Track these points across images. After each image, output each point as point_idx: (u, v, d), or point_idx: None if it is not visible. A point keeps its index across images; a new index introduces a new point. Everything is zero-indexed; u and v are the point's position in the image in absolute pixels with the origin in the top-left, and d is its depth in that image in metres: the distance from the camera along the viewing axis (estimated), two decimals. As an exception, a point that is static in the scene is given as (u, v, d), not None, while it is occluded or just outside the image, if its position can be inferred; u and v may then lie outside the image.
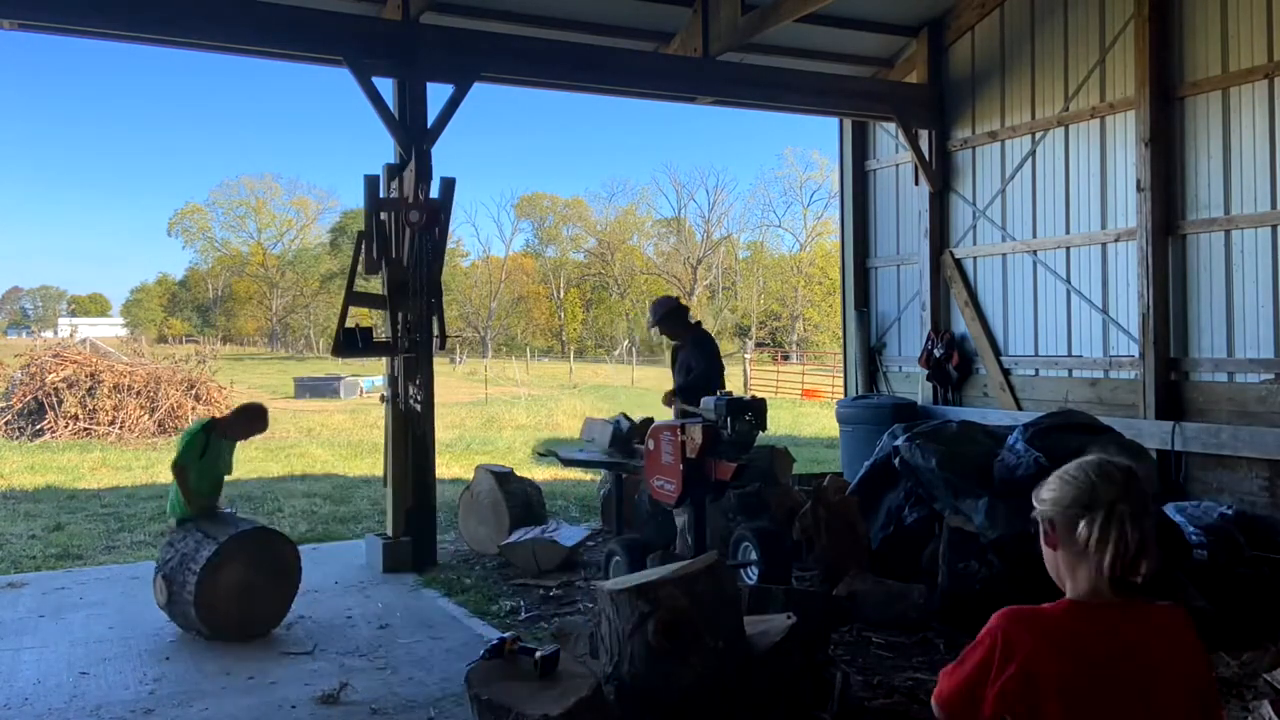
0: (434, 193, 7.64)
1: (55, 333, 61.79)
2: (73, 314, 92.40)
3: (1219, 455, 8.05)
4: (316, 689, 5.04)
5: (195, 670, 5.40)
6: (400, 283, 7.48)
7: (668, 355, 8.22)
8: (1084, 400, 9.13)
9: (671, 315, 7.72)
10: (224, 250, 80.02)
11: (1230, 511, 7.61)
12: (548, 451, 7.82)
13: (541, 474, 12.12)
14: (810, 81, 10.04)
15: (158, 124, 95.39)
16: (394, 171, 7.86)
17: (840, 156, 12.03)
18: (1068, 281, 9.44)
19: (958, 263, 10.52)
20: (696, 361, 7.48)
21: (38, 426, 18.16)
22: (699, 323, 8.01)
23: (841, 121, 11.78)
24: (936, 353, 10.52)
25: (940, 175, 10.68)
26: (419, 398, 7.67)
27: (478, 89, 8.25)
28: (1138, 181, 8.66)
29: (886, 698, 4.77)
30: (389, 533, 7.85)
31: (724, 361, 7.92)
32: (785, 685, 4.34)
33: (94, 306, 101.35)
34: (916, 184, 10.84)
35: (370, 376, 32.27)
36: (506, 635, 4.33)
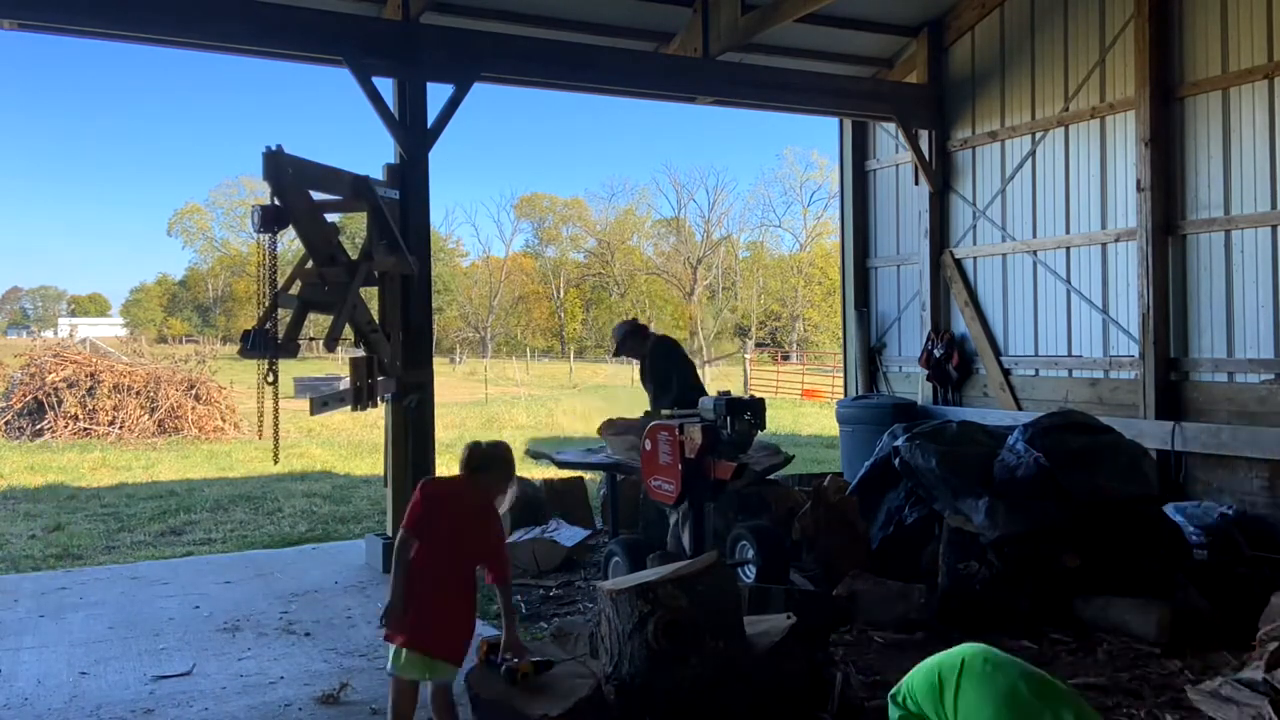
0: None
1: (55, 333, 61.77)
2: (72, 314, 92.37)
3: (1219, 455, 8.05)
4: (316, 689, 5.04)
5: (195, 670, 5.40)
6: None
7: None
8: (1084, 400, 9.13)
9: (630, 336, 7.99)
10: (224, 250, 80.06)
11: (1230, 511, 7.61)
12: (539, 453, 7.82)
13: (541, 474, 12.12)
14: (810, 81, 10.04)
15: (157, 124, 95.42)
16: (394, 171, 7.87)
17: (840, 156, 12.04)
18: (1068, 281, 9.44)
19: (958, 263, 10.53)
20: (664, 367, 7.71)
21: (38, 426, 18.17)
22: (652, 333, 8.19)
23: (841, 121, 11.78)
24: (936, 353, 10.52)
25: (940, 175, 10.68)
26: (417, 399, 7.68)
27: (478, 89, 8.27)
28: (1138, 181, 8.66)
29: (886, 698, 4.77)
30: (389, 533, 7.85)
31: (692, 365, 8.05)
32: (785, 685, 4.34)
33: (94, 306, 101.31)
34: (916, 184, 10.84)
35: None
36: (516, 661, 4.21)
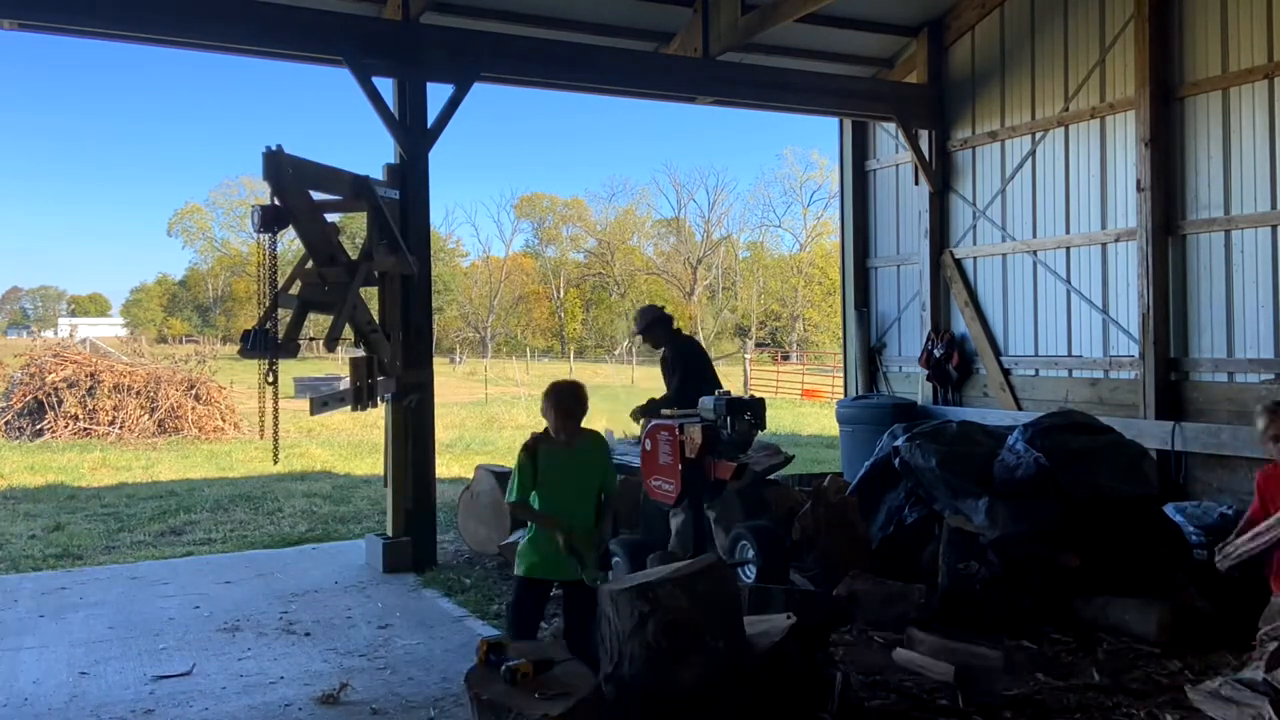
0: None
1: (55, 333, 61.75)
2: (72, 314, 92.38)
3: (1219, 455, 8.05)
4: (316, 689, 5.04)
5: (195, 670, 5.40)
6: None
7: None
8: (1084, 400, 9.13)
9: (655, 325, 7.84)
10: (224, 250, 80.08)
11: (1230, 511, 7.60)
12: None
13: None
14: (810, 81, 10.04)
15: (157, 124, 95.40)
16: (394, 171, 7.87)
17: (840, 156, 12.04)
18: (1068, 281, 9.44)
19: (958, 263, 10.52)
20: (674, 372, 7.62)
21: (38, 426, 18.17)
22: (678, 330, 8.08)
23: (841, 121, 11.78)
24: (936, 353, 10.52)
25: (940, 175, 10.68)
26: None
27: (478, 88, 8.27)
28: (1138, 181, 8.66)
29: (886, 698, 4.77)
30: (389, 533, 7.85)
31: (713, 366, 7.89)
32: (785, 685, 4.34)
33: (94, 306, 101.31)
34: (916, 184, 10.84)
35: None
36: (517, 661, 4.09)
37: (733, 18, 9.07)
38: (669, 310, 8.23)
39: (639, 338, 8.14)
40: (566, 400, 4.75)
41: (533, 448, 4.69)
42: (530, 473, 4.66)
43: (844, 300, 12.08)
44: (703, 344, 8.25)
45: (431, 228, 9.00)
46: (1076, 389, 9.31)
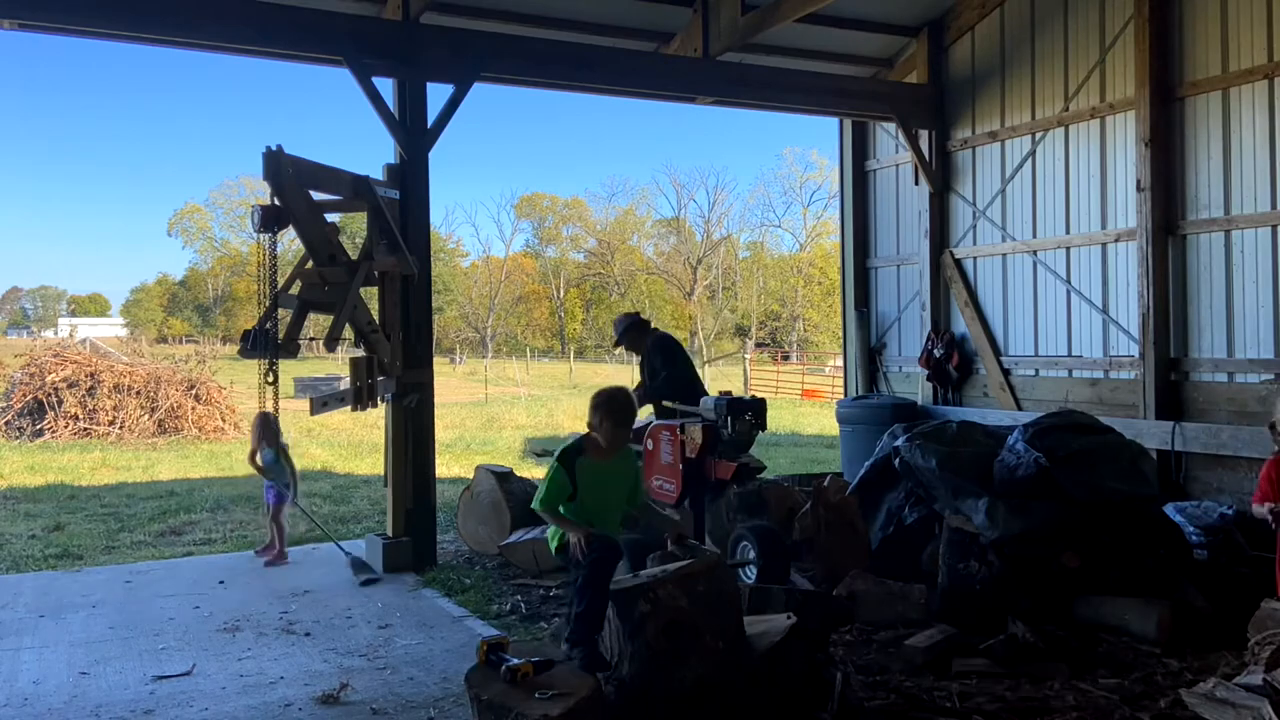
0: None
1: (55, 333, 61.78)
2: (72, 314, 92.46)
3: (1219, 455, 8.06)
4: (316, 689, 5.04)
5: (195, 670, 5.40)
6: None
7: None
8: (1084, 400, 9.13)
9: (631, 329, 8.19)
10: (224, 250, 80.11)
11: (1230, 511, 7.61)
12: (543, 451, 7.85)
13: (542, 474, 12.10)
14: (810, 81, 10.04)
15: (157, 124, 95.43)
16: (394, 171, 7.87)
17: (840, 156, 12.04)
18: (1068, 281, 9.44)
19: (958, 263, 10.53)
20: (660, 364, 7.85)
21: (38, 426, 18.17)
22: (655, 329, 8.39)
23: (841, 121, 11.79)
24: (936, 353, 10.52)
25: (940, 175, 10.68)
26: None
27: (478, 89, 8.27)
28: (1138, 181, 8.66)
29: (886, 698, 4.77)
30: (389, 533, 7.85)
31: (690, 359, 8.21)
32: (785, 685, 4.34)
33: (94, 306, 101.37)
34: (916, 184, 10.85)
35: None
36: (517, 662, 4.10)
37: (733, 18, 9.07)
38: (644, 315, 8.49)
39: (621, 347, 8.51)
40: (621, 412, 4.85)
41: (571, 463, 4.76)
42: (566, 487, 4.77)
43: (844, 300, 12.08)
44: (679, 341, 8.52)
45: (431, 228, 9.01)
46: (1076, 389, 9.32)
